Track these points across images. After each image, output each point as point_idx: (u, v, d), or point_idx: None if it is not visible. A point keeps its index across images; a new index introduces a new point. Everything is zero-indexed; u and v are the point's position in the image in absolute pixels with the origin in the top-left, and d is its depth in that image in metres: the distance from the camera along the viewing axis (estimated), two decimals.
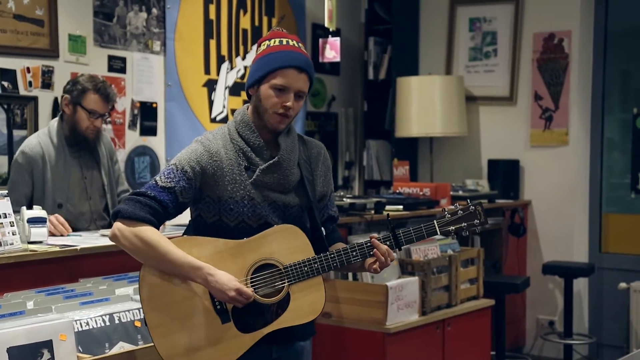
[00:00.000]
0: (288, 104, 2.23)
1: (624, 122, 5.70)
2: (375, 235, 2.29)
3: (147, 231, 2.15)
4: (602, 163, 5.72)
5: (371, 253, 2.27)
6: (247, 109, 2.33)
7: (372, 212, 4.36)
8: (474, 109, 6.00)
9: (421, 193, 4.94)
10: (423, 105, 5.65)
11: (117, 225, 2.18)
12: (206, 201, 2.26)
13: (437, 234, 2.30)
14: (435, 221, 2.31)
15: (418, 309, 3.86)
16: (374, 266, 2.26)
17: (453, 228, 2.30)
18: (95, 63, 4.49)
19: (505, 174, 5.72)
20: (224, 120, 5.20)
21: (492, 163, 5.82)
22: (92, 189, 3.63)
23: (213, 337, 2.19)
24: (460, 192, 5.30)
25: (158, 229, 2.19)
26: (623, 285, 5.36)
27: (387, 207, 4.50)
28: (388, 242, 2.28)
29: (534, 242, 5.78)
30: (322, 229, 2.36)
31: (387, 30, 6.07)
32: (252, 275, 2.22)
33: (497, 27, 5.92)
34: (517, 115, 5.85)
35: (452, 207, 2.33)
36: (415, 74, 6.09)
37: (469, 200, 2.35)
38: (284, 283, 2.22)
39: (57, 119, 3.63)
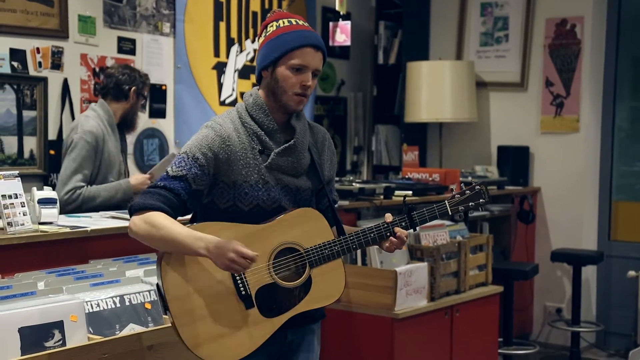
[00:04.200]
0: (308, 83, 2.22)
1: (636, 109, 5.66)
2: (390, 215, 2.30)
3: (155, 216, 2.13)
4: (613, 150, 5.69)
5: (388, 235, 2.28)
6: (259, 91, 2.30)
7: (382, 197, 4.34)
8: (484, 95, 5.97)
9: (430, 179, 4.92)
10: (433, 91, 5.62)
11: (131, 219, 2.18)
12: (220, 187, 2.23)
13: (448, 214, 2.34)
14: (446, 202, 2.35)
15: (427, 294, 3.85)
16: (388, 246, 2.29)
17: (462, 207, 2.35)
18: (105, 44, 4.47)
19: (515, 161, 5.70)
20: (233, 103, 5.17)
21: (501, 149, 5.79)
22: (125, 171, 3.99)
23: (237, 323, 2.18)
24: (470, 179, 5.27)
25: (174, 217, 2.16)
26: (632, 273, 5.33)
27: (397, 193, 4.49)
28: (403, 223, 2.30)
29: (542, 229, 5.76)
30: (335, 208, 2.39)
31: (397, 14, 6.03)
32: (274, 259, 2.21)
33: (508, 12, 5.87)
34: (528, 101, 5.81)
35: (460, 188, 2.40)
36: (425, 58, 6.05)
37: (472, 182, 2.42)
38: (306, 266, 2.23)
39: (99, 104, 3.88)
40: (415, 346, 3.77)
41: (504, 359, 4.81)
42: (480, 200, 2.37)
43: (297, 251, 2.23)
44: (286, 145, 2.26)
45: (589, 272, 5.62)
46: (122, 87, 3.86)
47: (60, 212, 3.53)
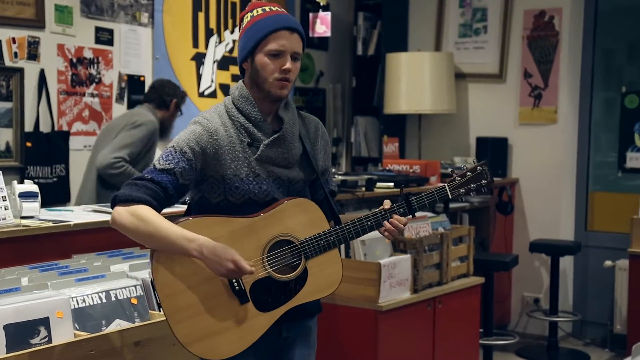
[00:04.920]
0: (286, 66, 2.17)
1: (612, 100, 5.71)
2: (389, 202, 2.24)
3: (142, 209, 2.09)
4: (590, 141, 5.73)
5: (384, 222, 2.24)
6: (244, 83, 2.27)
7: (364, 189, 4.33)
8: (463, 86, 5.98)
9: (411, 170, 4.92)
10: (412, 82, 5.61)
11: (115, 209, 2.13)
12: (210, 182, 2.20)
13: (449, 198, 2.25)
14: (446, 185, 2.26)
15: (410, 286, 3.85)
16: (386, 233, 2.24)
17: (463, 190, 2.25)
18: (82, 34, 4.40)
19: (494, 152, 5.71)
20: (212, 94, 5.13)
21: (480, 141, 5.80)
22: None
23: (232, 319, 2.14)
24: (450, 170, 5.27)
25: (159, 211, 2.12)
26: (608, 263, 5.39)
27: (378, 185, 4.48)
28: (402, 209, 2.23)
29: (521, 220, 5.79)
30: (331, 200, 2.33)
31: (376, 5, 6.01)
32: (268, 252, 2.17)
33: (487, 4, 5.88)
34: (506, 92, 5.83)
35: (460, 170, 2.31)
36: (404, 50, 6.04)
37: (474, 160, 2.34)
38: (301, 258, 2.19)
39: (147, 108, 4.34)
40: (398, 338, 3.77)
41: (484, 349, 4.83)
42: (483, 181, 2.27)
43: (292, 243, 2.19)
44: (275, 136, 2.22)
45: (566, 263, 5.67)
46: (165, 98, 4.34)
47: (98, 175, 4.10)
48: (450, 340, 4.09)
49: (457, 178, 2.26)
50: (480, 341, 4.60)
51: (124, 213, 2.10)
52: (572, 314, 5.61)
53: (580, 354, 5.33)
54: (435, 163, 5.01)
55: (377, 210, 2.24)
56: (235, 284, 2.14)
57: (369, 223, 2.22)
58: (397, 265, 3.75)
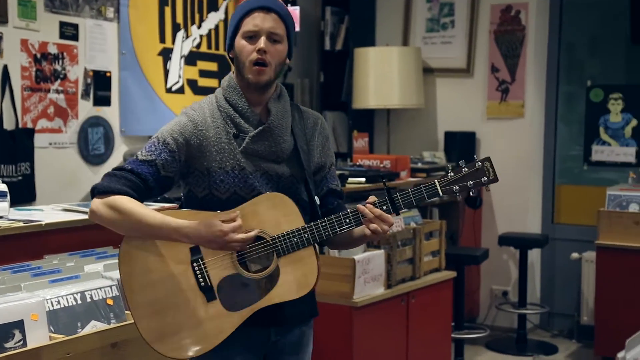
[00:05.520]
0: (261, 46, 2.07)
1: (578, 94, 5.76)
2: (373, 199, 2.08)
3: (121, 199, 2.03)
4: (556, 135, 5.78)
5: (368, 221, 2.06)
6: (233, 73, 2.20)
7: None
8: (431, 81, 5.98)
9: (382, 165, 4.91)
10: (380, 77, 5.60)
11: (93, 201, 2.07)
12: (195, 174, 2.13)
13: (439, 195, 2.06)
14: (436, 180, 2.08)
15: (384, 282, 3.85)
16: (371, 233, 2.06)
17: (457, 187, 2.06)
18: (46, 29, 4.29)
19: (462, 146, 5.73)
20: (180, 90, 5.06)
21: (448, 135, 5.82)
22: None
23: (198, 316, 2.06)
24: (420, 165, 5.29)
25: (140, 202, 2.07)
26: (575, 255, 5.44)
27: (349, 180, 4.46)
28: (385, 207, 2.06)
29: (489, 213, 5.82)
30: (317, 203, 2.20)
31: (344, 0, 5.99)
32: None
33: None
34: (474, 87, 5.85)
35: (457, 165, 2.11)
36: (372, 44, 6.03)
37: (475, 157, 2.15)
38: (273, 256, 2.07)
39: None
40: (373, 334, 3.76)
41: (456, 343, 4.85)
42: (483, 178, 2.08)
43: (264, 239, 2.08)
44: (260, 128, 2.13)
45: (534, 255, 5.71)
46: None
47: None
48: (424, 334, 4.10)
49: (450, 174, 2.08)
50: (452, 335, 4.62)
51: (101, 206, 2.05)
52: (540, 306, 5.66)
53: (549, 346, 5.39)
54: (405, 158, 5.01)
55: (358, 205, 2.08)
56: (201, 279, 2.06)
57: (347, 220, 2.06)
58: (372, 260, 3.74)
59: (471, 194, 2.10)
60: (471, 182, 2.08)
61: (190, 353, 2.09)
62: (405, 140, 6.05)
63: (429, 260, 4.23)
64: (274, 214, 2.08)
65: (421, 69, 5.76)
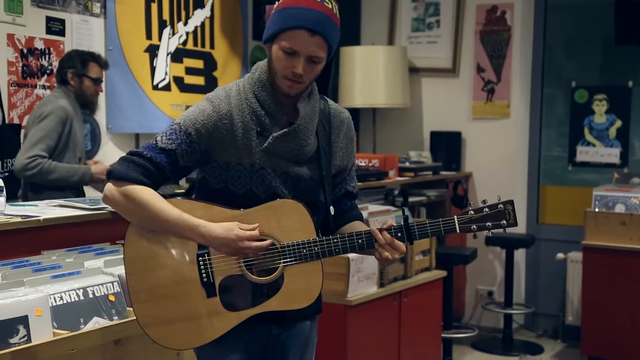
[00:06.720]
0: (296, 70, 1.98)
1: (563, 95, 5.80)
2: (389, 223, 2.05)
3: (138, 190, 1.99)
4: (541, 135, 5.81)
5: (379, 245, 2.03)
6: (265, 66, 2.10)
7: None
8: (417, 81, 5.98)
9: (370, 164, 4.89)
10: (366, 76, 5.59)
11: (108, 185, 2.02)
12: (213, 165, 2.08)
13: (455, 231, 2.05)
14: (455, 217, 2.05)
15: (377, 280, 3.83)
16: (384, 257, 2.02)
17: (475, 227, 2.04)
18: (33, 24, 4.22)
19: (448, 146, 5.74)
20: (167, 87, 5.00)
21: (434, 135, 5.83)
22: (83, 156, 4.05)
23: (195, 310, 2.03)
24: (407, 164, 5.28)
25: (155, 190, 2.02)
26: (560, 255, 5.47)
27: None
28: (400, 234, 2.03)
29: None
30: (332, 207, 2.15)
31: None
32: None
33: None
34: (460, 87, 5.86)
35: (480, 206, 2.07)
36: (357, 43, 6.02)
37: (499, 197, 2.10)
38: (279, 263, 2.03)
39: (61, 90, 3.96)
40: (366, 332, 3.74)
41: (444, 342, 4.84)
42: (503, 221, 2.04)
43: (273, 245, 2.03)
44: (286, 130, 2.05)
45: (519, 255, 5.73)
46: (61, 73, 3.96)
47: (17, 177, 3.79)
48: (415, 333, 4.09)
49: (471, 212, 2.05)
50: (442, 335, 4.61)
51: (117, 194, 2.01)
52: (526, 306, 5.68)
53: (534, 346, 5.40)
54: (393, 157, 5.00)
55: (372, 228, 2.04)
56: (204, 275, 2.03)
57: (359, 241, 2.02)
58: (365, 259, 3.72)
59: (487, 234, 2.10)
60: (490, 224, 2.05)
61: (181, 345, 2.07)
62: (391, 140, 6.05)
63: (419, 259, 4.22)
64: (289, 221, 2.04)
65: (407, 69, 5.76)
